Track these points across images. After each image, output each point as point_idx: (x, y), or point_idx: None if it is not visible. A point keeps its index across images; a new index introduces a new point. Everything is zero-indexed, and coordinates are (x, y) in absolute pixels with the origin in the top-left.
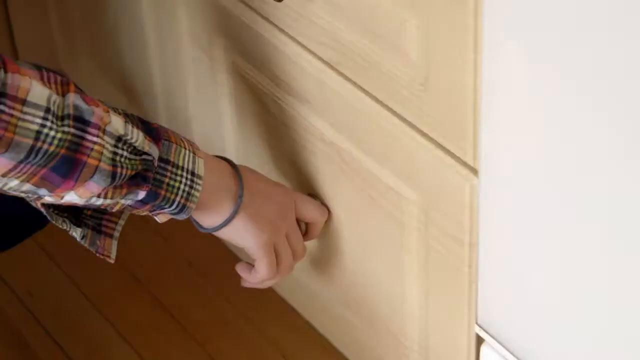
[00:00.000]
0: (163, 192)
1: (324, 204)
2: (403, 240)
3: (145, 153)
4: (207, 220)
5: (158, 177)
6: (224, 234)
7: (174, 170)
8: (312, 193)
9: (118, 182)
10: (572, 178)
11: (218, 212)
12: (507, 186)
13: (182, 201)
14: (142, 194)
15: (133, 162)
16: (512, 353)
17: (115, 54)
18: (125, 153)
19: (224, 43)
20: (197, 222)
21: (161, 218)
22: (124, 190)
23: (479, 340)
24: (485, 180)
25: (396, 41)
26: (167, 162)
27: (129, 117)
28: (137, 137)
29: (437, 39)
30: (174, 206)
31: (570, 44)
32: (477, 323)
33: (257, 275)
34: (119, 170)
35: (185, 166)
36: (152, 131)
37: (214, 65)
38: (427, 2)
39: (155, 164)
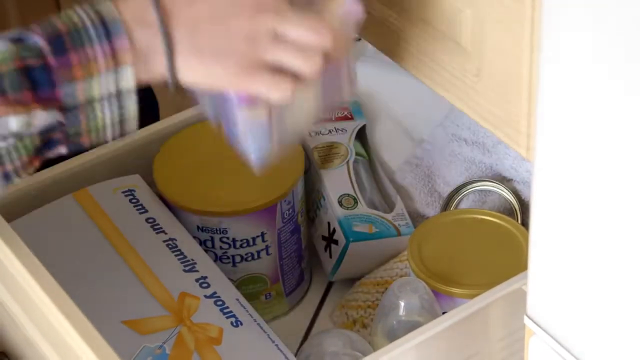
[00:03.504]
0: (87, 139)
1: None
2: None
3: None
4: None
5: (72, 130)
6: (185, 73)
7: (90, 109)
8: None
9: (19, 172)
10: (630, 172)
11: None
12: (561, 178)
13: (117, 132)
14: (63, 150)
15: (24, 144)
16: (561, 345)
17: None
18: (5, 144)
19: None
20: None
21: None
22: (35, 163)
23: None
24: (539, 173)
25: (450, 31)
26: (75, 108)
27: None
28: (15, 121)
29: (493, 29)
30: (110, 140)
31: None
32: (526, 315)
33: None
34: (8, 167)
35: (105, 93)
36: (43, 85)
37: None
38: None
39: (62, 120)
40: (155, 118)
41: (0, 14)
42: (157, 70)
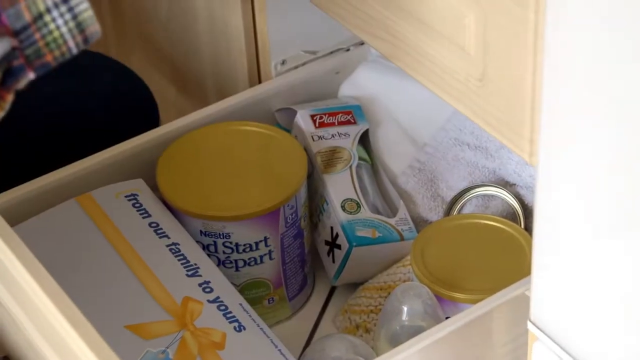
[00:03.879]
0: (50, 56)
1: None
2: None
3: None
4: None
5: (31, 51)
6: None
7: (42, 25)
8: None
9: None
10: (633, 177)
11: None
12: (565, 184)
13: (79, 39)
14: (31, 75)
15: None
16: (565, 350)
17: (167, 44)
18: None
19: None
20: None
21: None
22: (7, 97)
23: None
24: (543, 178)
25: (454, 36)
26: (25, 28)
27: None
28: None
29: (496, 34)
30: (76, 51)
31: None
32: (530, 320)
33: None
34: None
35: (51, 3)
36: None
37: None
38: None
39: (16, 45)
40: (155, 121)
41: None
42: None
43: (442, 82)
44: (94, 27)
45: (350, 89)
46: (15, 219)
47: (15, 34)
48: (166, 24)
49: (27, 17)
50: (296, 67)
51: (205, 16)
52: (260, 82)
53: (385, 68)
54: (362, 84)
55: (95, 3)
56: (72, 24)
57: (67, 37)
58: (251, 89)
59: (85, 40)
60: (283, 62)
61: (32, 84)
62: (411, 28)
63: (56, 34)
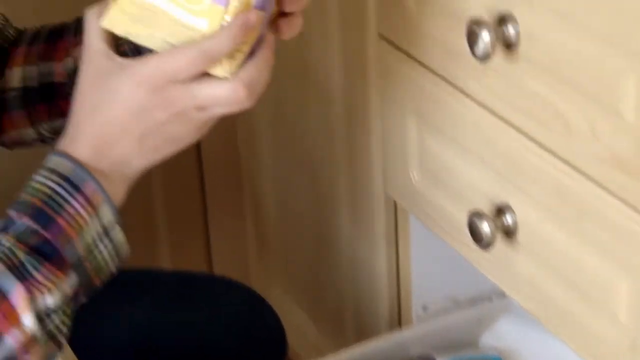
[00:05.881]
0: (97, 280)
1: None
2: None
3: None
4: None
5: (84, 279)
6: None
7: (91, 257)
8: None
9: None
10: None
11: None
12: None
13: (116, 261)
14: (83, 299)
15: (66, 312)
16: None
17: (310, 280)
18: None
19: None
20: None
21: None
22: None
23: None
24: None
25: (604, 302)
26: (80, 260)
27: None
28: (56, 297)
29: None
30: (115, 270)
31: None
32: None
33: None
34: (61, 339)
35: (96, 238)
36: (52, 256)
37: None
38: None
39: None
40: (283, 352)
41: (147, 206)
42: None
43: (588, 345)
44: (126, 250)
45: (492, 340)
46: None
47: (74, 267)
48: (311, 261)
49: (82, 251)
50: (437, 314)
51: (349, 256)
52: (400, 324)
53: (528, 321)
54: (504, 335)
55: (241, 235)
56: (112, 251)
57: (109, 262)
58: (391, 334)
59: (120, 261)
60: (424, 308)
61: (158, 313)
62: (558, 288)
63: (101, 262)
